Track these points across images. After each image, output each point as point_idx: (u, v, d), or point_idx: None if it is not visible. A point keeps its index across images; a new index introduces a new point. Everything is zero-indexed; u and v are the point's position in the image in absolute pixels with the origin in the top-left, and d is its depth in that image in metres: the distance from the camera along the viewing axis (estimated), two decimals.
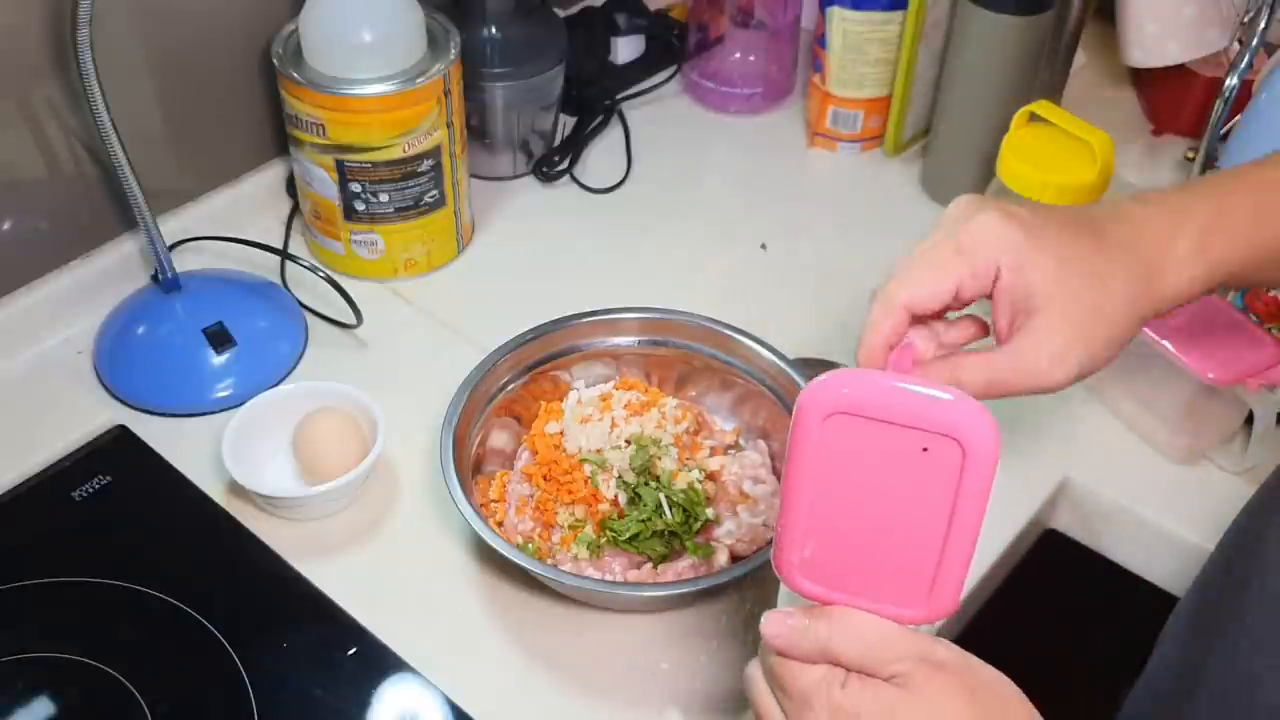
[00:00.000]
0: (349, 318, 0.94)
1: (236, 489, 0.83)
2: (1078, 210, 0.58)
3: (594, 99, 1.17)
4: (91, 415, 0.89)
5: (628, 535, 0.76)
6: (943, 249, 0.55)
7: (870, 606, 0.50)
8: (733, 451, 0.85)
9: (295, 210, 1.04)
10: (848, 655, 0.50)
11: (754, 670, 0.55)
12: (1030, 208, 0.56)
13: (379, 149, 0.92)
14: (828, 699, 0.50)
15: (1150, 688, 0.67)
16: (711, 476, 0.81)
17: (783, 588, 0.54)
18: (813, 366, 0.90)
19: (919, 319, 0.57)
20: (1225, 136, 1.00)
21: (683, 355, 0.87)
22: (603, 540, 0.76)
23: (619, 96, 1.19)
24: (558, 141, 1.14)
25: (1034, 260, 0.54)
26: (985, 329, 0.59)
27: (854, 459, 0.47)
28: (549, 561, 0.76)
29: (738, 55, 1.19)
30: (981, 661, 0.51)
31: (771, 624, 0.51)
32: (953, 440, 0.45)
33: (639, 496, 0.77)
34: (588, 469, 0.79)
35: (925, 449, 0.45)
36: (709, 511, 0.79)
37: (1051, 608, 0.92)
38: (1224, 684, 0.58)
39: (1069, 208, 0.58)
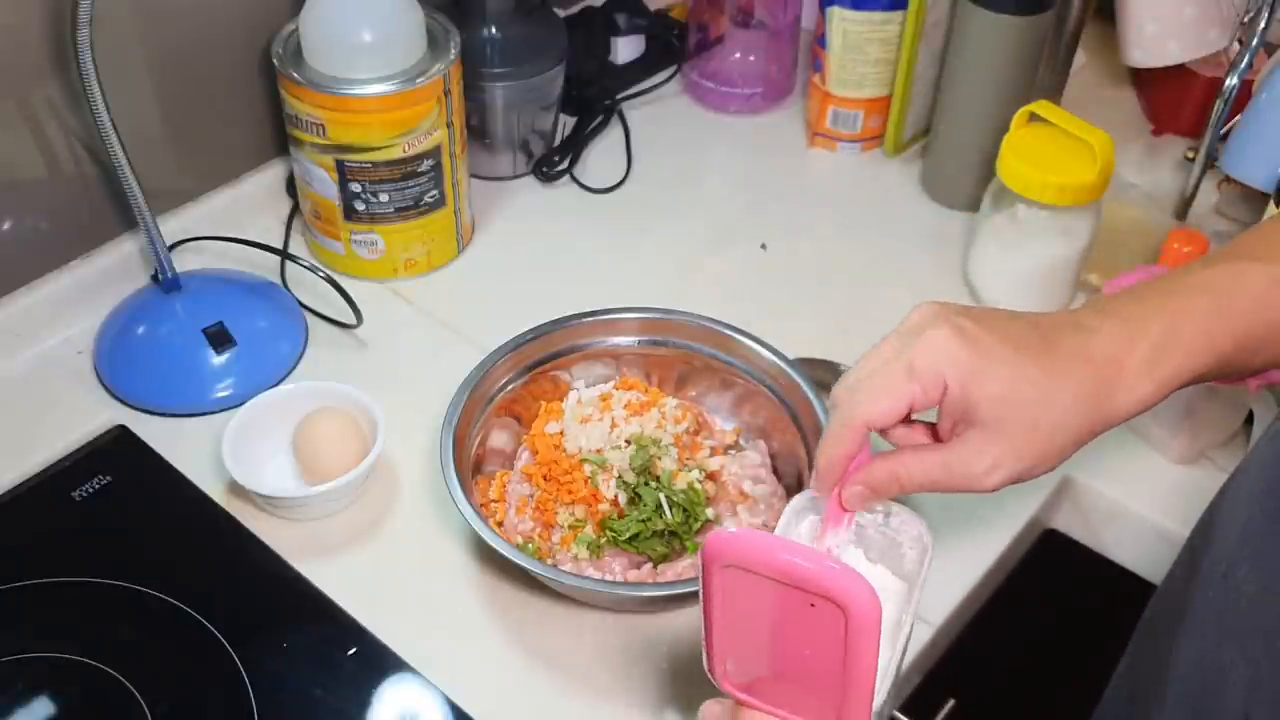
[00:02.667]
0: (349, 318, 0.94)
1: (236, 489, 0.83)
2: (1034, 320, 0.59)
3: (594, 99, 1.17)
4: (91, 415, 0.89)
5: (628, 535, 0.76)
6: (895, 370, 0.57)
7: (788, 717, 0.54)
8: (733, 451, 0.85)
9: (295, 210, 1.04)
10: None
11: None
12: (985, 322, 0.58)
13: (379, 149, 0.92)
14: None
15: (1123, 687, 0.68)
16: (711, 476, 0.81)
17: None
18: (813, 366, 0.90)
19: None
20: (1225, 136, 1.00)
21: (683, 355, 0.87)
22: (603, 540, 0.76)
23: (619, 96, 1.19)
24: (558, 141, 1.14)
25: (978, 380, 0.56)
26: (933, 432, 0.61)
27: (752, 604, 0.51)
28: (549, 561, 0.76)
29: (738, 55, 1.19)
30: None
31: (704, 713, 0.56)
32: (834, 604, 0.48)
33: (639, 496, 0.77)
34: (588, 469, 0.79)
35: (812, 605, 0.49)
36: (709, 511, 0.79)
37: (1051, 608, 0.92)
38: (1196, 678, 0.58)
39: (1027, 317, 0.60)
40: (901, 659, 0.59)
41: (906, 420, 0.59)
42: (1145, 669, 0.65)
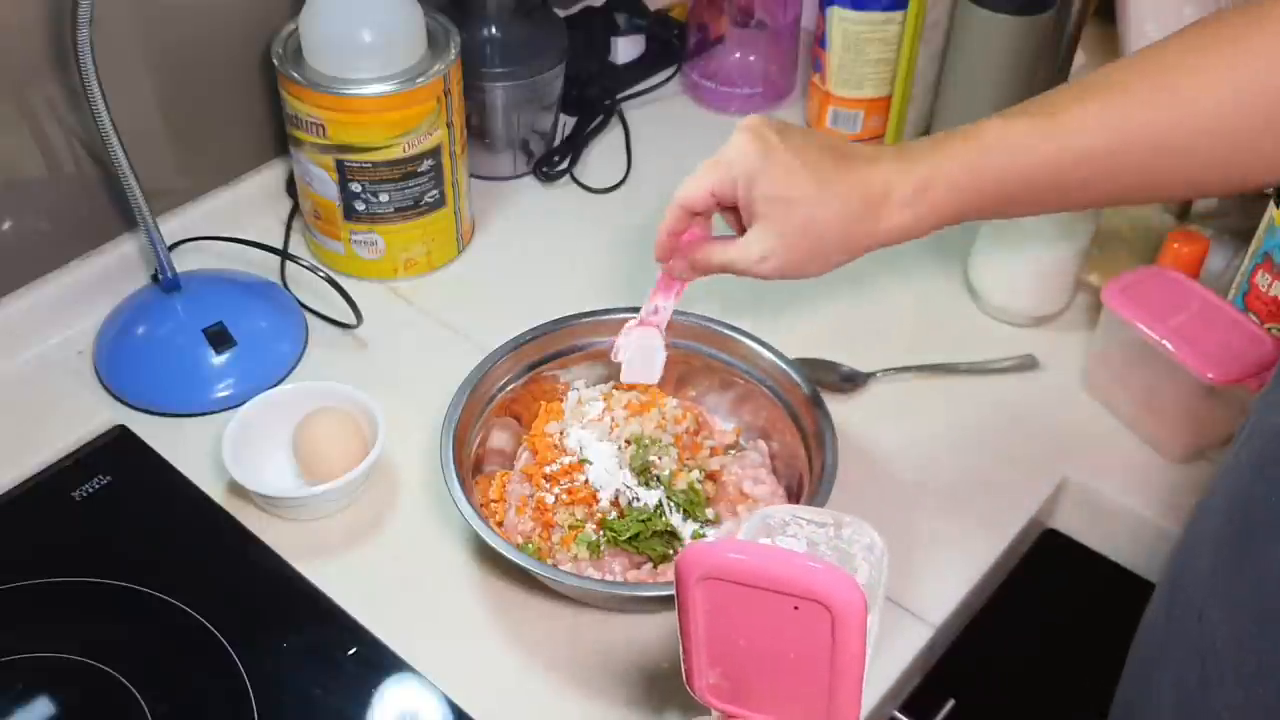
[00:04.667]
0: (349, 318, 0.94)
1: (236, 489, 0.83)
2: (835, 145, 0.68)
3: (594, 99, 1.17)
4: (91, 415, 0.89)
5: (628, 535, 0.76)
6: (708, 161, 0.71)
7: None
8: (733, 451, 0.85)
9: (295, 210, 1.04)
10: None
11: None
12: (788, 136, 0.68)
13: (379, 149, 0.92)
14: None
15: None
16: (711, 476, 0.81)
17: None
18: (813, 366, 0.90)
19: (697, 214, 0.74)
20: None
21: (683, 355, 0.87)
22: (603, 540, 0.76)
23: (619, 96, 1.19)
24: (558, 141, 1.14)
25: (760, 179, 0.67)
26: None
27: (734, 613, 0.51)
28: (549, 561, 0.76)
29: (738, 55, 1.19)
30: None
31: None
32: (818, 604, 0.48)
33: (639, 497, 0.77)
34: (588, 469, 0.79)
35: (796, 607, 0.49)
36: (709, 511, 0.79)
37: (1051, 608, 0.92)
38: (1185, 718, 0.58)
39: (832, 142, 0.69)
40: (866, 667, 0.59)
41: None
42: (1136, 705, 0.65)
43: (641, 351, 0.80)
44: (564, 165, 1.12)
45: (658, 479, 0.79)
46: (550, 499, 0.78)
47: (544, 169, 1.11)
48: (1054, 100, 0.65)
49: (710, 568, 0.50)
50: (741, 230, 0.71)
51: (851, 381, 0.92)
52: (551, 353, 0.86)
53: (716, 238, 0.74)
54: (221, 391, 0.90)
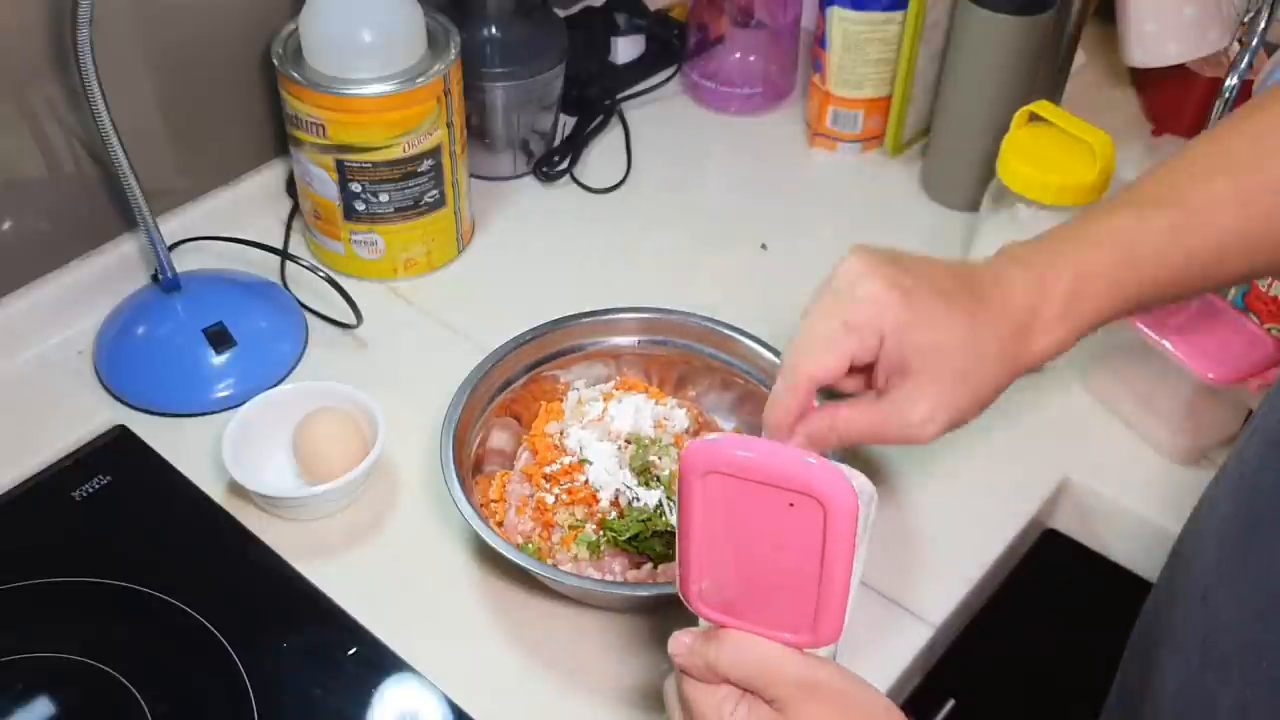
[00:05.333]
0: (349, 318, 0.94)
1: (236, 489, 0.83)
2: (956, 271, 0.62)
3: (594, 99, 1.17)
4: (91, 415, 0.89)
5: (628, 535, 0.76)
6: (834, 325, 0.60)
7: (762, 631, 0.54)
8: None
9: (295, 210, 1.04)
10: (733, 675, 0.55)
11: (669, 686, 0.59)
12: (914, 272, 0.61)
13: (379, 149, 0.92)
14: (718, 719, 0.54)
15: (1115, 711, 0.68)
16: None
17: None
18: None
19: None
20: None
21: (683, 355, 0.87)
22: (603, 540, 0.76)
23: (619, 96, 1.19)
24: (558, 141, 1.14)
25: (911, 331, 0.59)
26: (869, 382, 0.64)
27: (731, 510, 0.52)
28: (549, 561, 0.76)
29: (738, 55, 1.19)
30: (864, 683, 0.55)
31: (673, 643, 0.56)
32: (813, 499, 0.49)
33: (639, 496, 0.77)
34: (588, 469, 0.79)
35: (791, 504, 0.50)
36: None
37: (1051, 608, 0.92)
38: (1184, 703, 0.58)
39: (948, 266, 0.62)
40: None
41: (850, 372, 0.62)
42: (1134, 694, 0.65)
43: None
44: (564, 165, 1.12)
45: (657, 479, 0.79)
46: (550, 499, 0.78)
47: (544, 169, 1.11)
48: (1175, 178, 0.63)
49: (712, 460, 0.51)
50: (862, 388, 0.63)
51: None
52: (551, 353, 0.86)
53: (839, 404, 0.63)
54: (221, 391, 0.90)
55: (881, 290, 0.59)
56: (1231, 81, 0.97)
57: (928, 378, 0.59)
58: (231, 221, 1.01)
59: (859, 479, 0.61)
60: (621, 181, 1.12)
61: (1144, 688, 0.63)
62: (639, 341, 0.87)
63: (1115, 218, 0.62)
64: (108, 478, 0.84)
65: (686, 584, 0.55)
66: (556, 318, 0.86)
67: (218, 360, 0.90)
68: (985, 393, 0.62)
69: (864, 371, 0.62)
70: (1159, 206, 0.62)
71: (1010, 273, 0.61)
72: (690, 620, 0.58)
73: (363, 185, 0.94)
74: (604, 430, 0.81)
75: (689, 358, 0.87)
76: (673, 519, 0.77)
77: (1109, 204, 0.64)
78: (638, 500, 0.77)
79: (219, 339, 0.91)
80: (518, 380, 0.85)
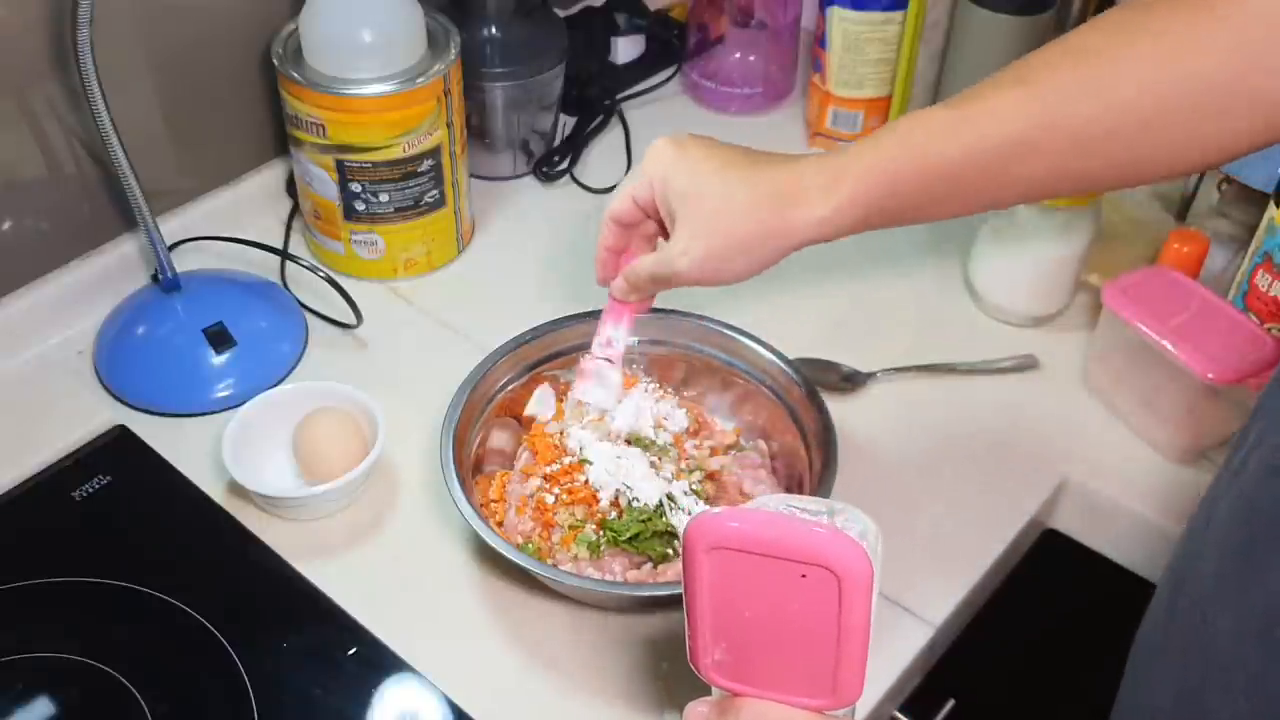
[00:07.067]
0: (349, 318, 0.94)
1: (236, 489, 0.83)
2: (751, 151, 0.69)
3: (594, 99, 1.17)
4: (91, 415, 0.89)
5: (628, 535, 0.76)
6: (630, 175, 0.72)
7: (780, 698, 0.53)
8: (733, 451, 0.85)
9: (295, 210, 1.04)
10: None
11: None
12: (705, 142, 0.69)
13: (379, 149, 0.92)
14: None
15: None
16: (711, 476, 0.81)
17: None
18: (813, 367, 0.90)
19: (628, 226, 0.74)
20: None
21: (683, 355, 0.87)
22: (603, 540, 0.76)
23: (619, 96, 1.19)
24: (558, 141, 1.14)
25: (673, 176, 0.68)
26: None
27: (740, 584, 0.51)
28: (549, 561, 0.76)
29: (738, 55, 1.19)
30: None
31: (689, 714, 0.56)
32: (826, 570, 0.49)
33: (639, 497, 0.77)
34: (588, 469, 0.79)
35: (804, 575, 0.49)
36: None
37: (1051, 608, 0.92)
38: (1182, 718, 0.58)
39: (750, 150, 0.70)
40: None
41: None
42: (1134, 709, 0.65)
43: (599, 380, 0.79)
44: (564, 165, 1.12)
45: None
46: (550, 499, 0.78)
47: (544, 169, 1.11)
48: (974, 91, 0.64)
49: (718, 536, 0.50)
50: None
51: (851, 381, 0.92)
52: (551, 353, 0.86)
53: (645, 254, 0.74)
54: (221, 391, 0.90)
55: (665, 143, 0.69)
56: None
57: (683, 217, 0.69)
58: (231, 221, 1.01)
59: (862, 521, 0.60)
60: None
61: (1139, 703, 0.63)
62: (639, 341, 0.87)
63: (905, 115, 0.66)
64: (108, 478, 0.84)
65: (697, 656, 0.54)
66: (556, 318, 0.86)
67: (218, 360, 0.90)
68: (742, 245, 0.68)
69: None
70: (948, 106, 0.64)
71: (802, 158, 0.67)
72: (704, 685, 0.57)
73: (363, 185, 0.94)
74: (604, 430, 0.81)
75: (689, 358, 0.87)
76: (673, 519, 0.77)
77: (901, 120, 0.67)
78: (638, 500, 0.77)
79: (219, 339, 0.91)
80: (518, 380, 0.85)
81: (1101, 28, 0.63)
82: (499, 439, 0.84)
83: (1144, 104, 0.60)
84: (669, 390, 0.88)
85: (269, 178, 1.06)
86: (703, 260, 0.68)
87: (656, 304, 0.87)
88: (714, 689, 0.56)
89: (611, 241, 0.75)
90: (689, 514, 0.77)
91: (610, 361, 0.78)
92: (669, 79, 1.23)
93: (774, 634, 0.52)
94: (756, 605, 0.52)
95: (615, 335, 0.77)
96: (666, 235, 0.71)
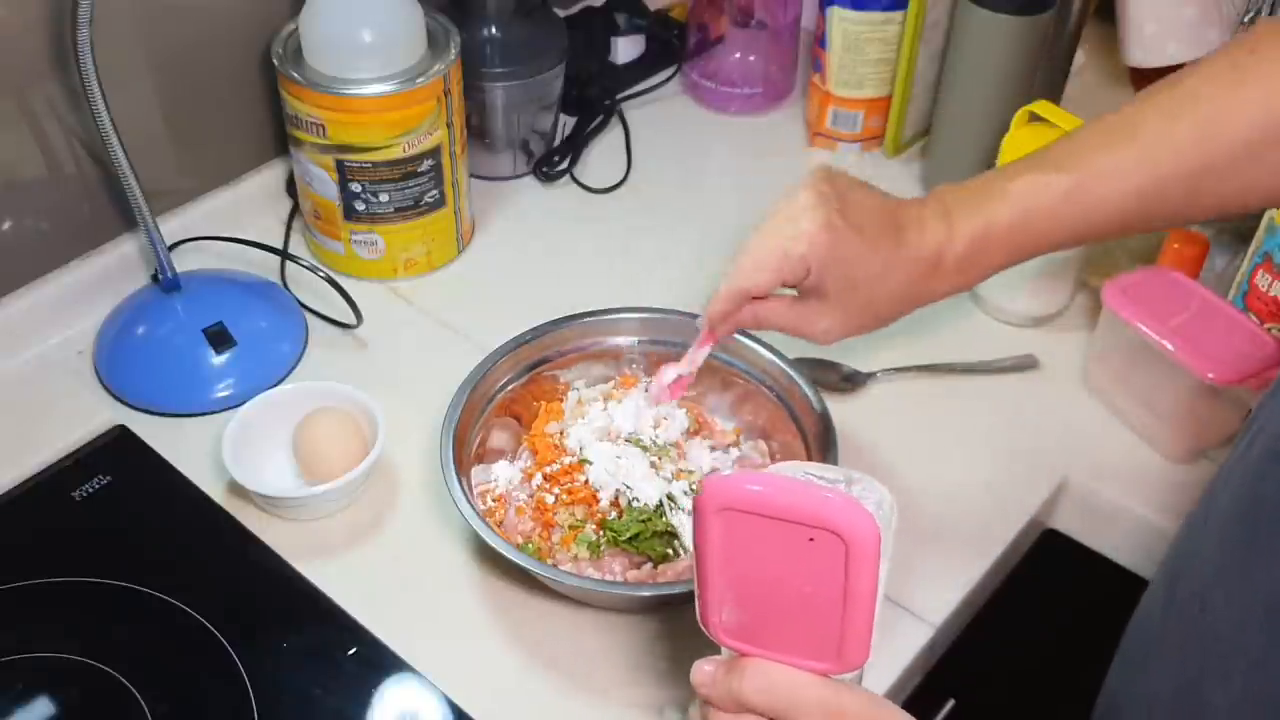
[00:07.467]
0: (349, 318, 0.94)
1: (236, 489, 0.83)
2: (892, 211, 0.71)
3: (594, 99, 1.17)
4: (91, 415, 0.89)
5: (628, 535, 0.76)
6: (775, 250, 0.71)
7: (786, 659, 0.54)
8: (733, 451, 0.85)
9: (295, 210, 1.04)
10: (758, 704, 0.54)
11: (694, 715, 0.60)
12: (851, 214, 0.70)
13: (379, 149, 0.92)
14: None
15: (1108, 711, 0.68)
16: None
17: None
18: (813, 367, 0.90)
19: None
20: None
21: (683, 355, 0.87)
22: (603, 540, 0.76)
23: (619, 96, 1.19)
24: (558, 141, 1.14)
25: (833, 266, 0.70)
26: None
27: (749, 545, 0.52)
28: (549, 561, 0.76)
29: (738, 55, 1.19)
30: (890, 706, 0.55)
31: (696, 672, 0.56)
32: (833, 534, 0.49)
33: (639, 497, 0.77)
34: (588, 469, 0.79)
35: (811, 539, 0.50)
36: None
37: (1051, 608, 0.92)
38: (1177, 708, 0.58)
39: (887, 203, 0.72)
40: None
41: None
42: (1126, 698, 0.65)
43: (672, 393, 0.81)
44: (564, 165, 1.12)
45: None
46: (550, 499, 0.78)
47: (544, 169, 1.11)
48: (1083, 141, 0.69)
49: (729, 497, 0.51)
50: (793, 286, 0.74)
51: (851, 381, 0.92)
52: (551, 353, 0.86)
53: (762, 301, 0.74)
54: (221, 391, 0.90)
55: (818, 231, 0.69)
56: None
57: (837, 303, 0.72)
58: (231, 221, 1.01)
59: (878, 490, 0.61)
60: (621, 181, 1.12)
61: (1136, 697, 0.63)
62: (639, 341, 0.87)
63: (1020, 180, 0.70)
64: (108, 478, 0.84)
65: (706, 614, 0.55)
66: (556, 318, 0.86)
67: (218, 360, 0.90)
68: (885, 317, 0.74)
69: None
70: (1060, 171, 0.69)
71: (931, 223, 0.71)
72: (711, 647, 0.58)
73: (363, 185, 0.94)
74: (604, 430, 0.81)
75: None
76: (673, 519, 0.77)
77: (1025, 162, 0.71)
78: (638, 500, 0.77)
79: (219, 339, 0.91)
80: (518, 380, 0.85)
81: (1207, 74, 0.67)
82: (499, 439, 0.84)
83: (1253, 139, 0.65)
84: None
85: (269, 178, 1.06)
86: (842, 335, 0.74)
87: (657, 305, 0.88)
88: (723, 649, 0.56)
89: (731, 310, 0.74)
90: (689, 514, 0.77)
91: (690, 376, 0.80)
92: (669, 79, 1.23)
93: (782, 597, 0.52)
94: (765, 568, 0.52)
95: (699, 356, 0.79)
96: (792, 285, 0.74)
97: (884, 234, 0.71)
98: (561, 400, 0.86)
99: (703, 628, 0.56)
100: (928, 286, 0.72)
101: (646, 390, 0.82)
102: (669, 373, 0.80)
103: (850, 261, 0.70)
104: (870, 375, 0.93)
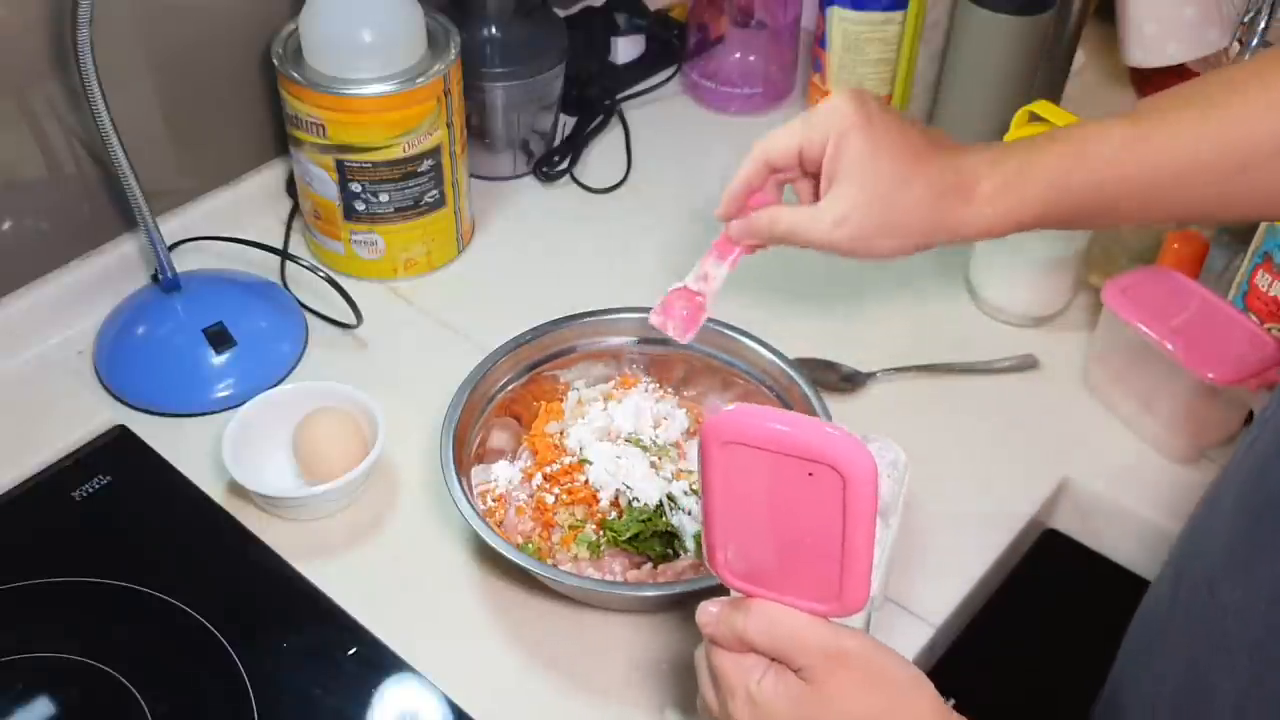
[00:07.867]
0: (349, 318, 0.94)
1: (236, 489, 0.83)
2: (929, 131, 0.68)
3: (594, 99, 1.17)
4: (91, 415, 0.89)
5: (628, 535, 0.76)
6: (798, 118, 0.68)
7: (789, 601, 0.55)
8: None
9: (295, 210, 1.04)
10: (760, 644, 0.55)
11: (700, 655, 0.59)
12: (890, 111, 0.67)
13: (379, 149, 0.92)
14: (746, 689, 0.55)
15: (1110, 711, 0.68)
16: None
17: None
18: (813, 367, 0.90)
19: (777, 171, 0.71)
20: None
21: (683, 355, 0.87)
22: (603, 540, 0.76)
23: (619, 96, 1.19)
24: (558, 141, 1.14)
25: (855, 139, 0.65)
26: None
27: (752, 480, 0.52)
28: (549, 561, 0.76)
29: (738, 55, 1.19)
30: (892, 653, 0.55)
31: (701, 612, 0.57)
32: (832, 469, 0.50)
33: (639, 497, 0.77)
34: (588, 469, 0.79)
35: (810, 474, 0.50)
36: None
37: (1051, 608, 0.92)
38: (1184, 696, 0.58)
39: (927, 129, 0.68)
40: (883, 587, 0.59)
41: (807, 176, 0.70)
42: (1131, 691, 0.65)
43: (683, 310, 0.77)
44: (564, 165, 1.12)
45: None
46: (550, 499, 0.78)
47: (544, 169, 1.11)
48: (1153, 104, 0.66)
49: (732, 430, 0.51)
50: (815, 201, 0.69)
51: (851, 381, 0.92)
52: (551, 353, 0.86)
53: (778, 205, 0.71)
54: (221, 391, 0.90)
55: (846, 101, 0.65)
56: None
57: (852, 184, 0.66)
58: (231, 221, 1.01)
59: (894, 450, 0.61)
60: (621, 181, 1.12)
61: (1142, 686, 0.63)
62: (639, 341, 0.87)
63: (1081, 126, 0.66)
64: (108, 478, 0.84)
65: (712, 551, 0.56)
66: (556, 318, 0.86)
67: (218, 360, 0.90)
68: (904, 227, 0.66)
69: (815, 183, 0.69)
70: (1126, 120, 0.65)
71: (973, 148, 0.67)
72: (721, 594, 0.58)
73: (363, 185, 0.94)
74: (604, 430, 0.81)
75: (689, 358, 0.87)
76: (673, 519, 0.77)
77: (1075, 125, 0.67)
78: (638, 500, 0.77)
79: (219, 339, 0.91)
80: (518, 380, 0.85)
81: (1259, 61, 0.65)
82: (499, 439, 0.84)
83: None
84: (669, 390, 0.88)
85: (269, 178, 1.06)
86: (856, 234, 0.67)
87: (652, 305, 0.88)
88: (731, 592, 0.57)
89: (756, 181, 0.71)
90: (689, 514, 0.77)
91: (702, 296, 0.76)
92: (669, 79, 1.23)
93: (783, 536, 0.53)
94: (767, 504, 0.53)
95: (716, 272, 0.75)
96: (815, 193, 0.69)
97: (921, 137, 0.67)
98: (561, 400, 0.86)
99: (708, 566, 0.56)
100: (954, 213, 0.66)
101: (661, 323, 0.76)
102: (674, 296, 0.75)
103: (875, 141, 0.65)
104: (870, 375, 0.93)
